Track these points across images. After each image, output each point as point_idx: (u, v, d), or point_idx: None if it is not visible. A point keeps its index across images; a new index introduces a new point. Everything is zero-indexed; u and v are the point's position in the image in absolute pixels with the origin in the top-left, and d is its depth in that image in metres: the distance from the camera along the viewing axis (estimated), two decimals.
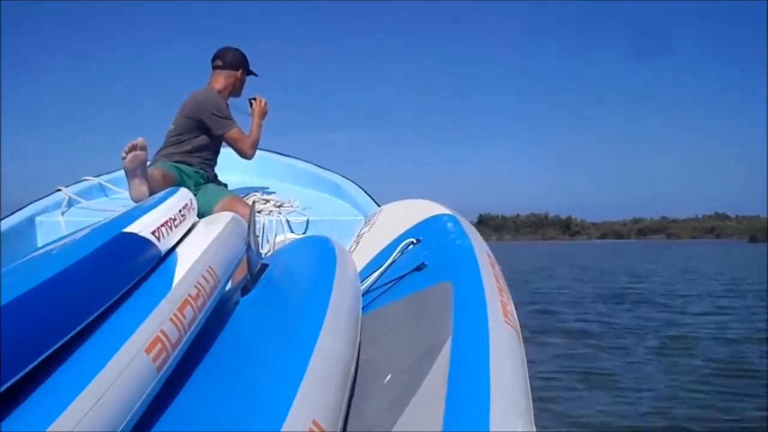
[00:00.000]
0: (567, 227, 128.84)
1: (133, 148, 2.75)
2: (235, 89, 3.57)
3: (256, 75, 3.67)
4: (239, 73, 3.55)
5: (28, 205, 3.38)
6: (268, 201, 3.53)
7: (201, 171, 3.38)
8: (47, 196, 3.52)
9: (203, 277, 1.44)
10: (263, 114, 3.62)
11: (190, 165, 3.34)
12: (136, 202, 2.69)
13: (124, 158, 2.76)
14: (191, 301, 1.31)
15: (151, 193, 2.66)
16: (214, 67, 3.53)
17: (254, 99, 3.62)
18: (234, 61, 3.54)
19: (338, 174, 4.13)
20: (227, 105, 3.51)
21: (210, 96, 3.42)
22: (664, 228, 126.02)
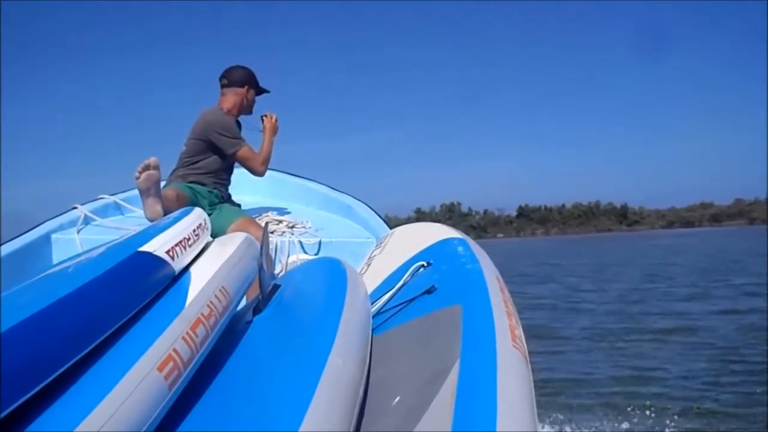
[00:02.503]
0: (623, 216, 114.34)
1: (146, 167, 2.78)
2: (244, 107, 3.58)
3: (267, 92, 3.69)
4: (246, 90, 3.57)
5: (44, 222, 3.42)
6: (281, 222, 3.55)
7: (215, 191, 3.41)
8: (63, 213, 3.55)
9: (216, 296, 1.45)
10: (274, 130, 3.64)
11: (203, 185, 3.37)
12: (150, 221, 2.72)
13: (137, 178, 2.79)
14: (204, 320, 1.33)
15: (166, 212, 2.68)
16: (222, 86, 3.57)
17: (265, 116, 3.65)
18: (240, 79, 3.57)
19: (350, 196, 4.15)
20: (237, 123, 3.54)
21: (217, 116, 3.45)
22: (743, 212, 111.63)
